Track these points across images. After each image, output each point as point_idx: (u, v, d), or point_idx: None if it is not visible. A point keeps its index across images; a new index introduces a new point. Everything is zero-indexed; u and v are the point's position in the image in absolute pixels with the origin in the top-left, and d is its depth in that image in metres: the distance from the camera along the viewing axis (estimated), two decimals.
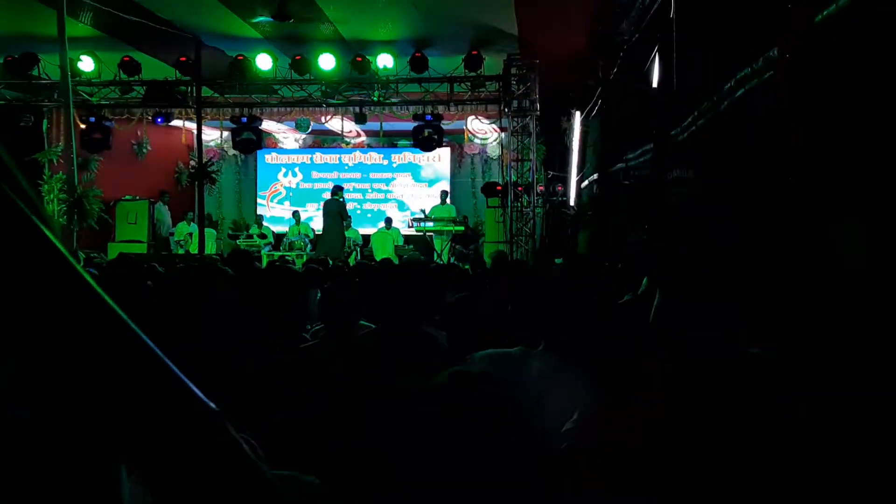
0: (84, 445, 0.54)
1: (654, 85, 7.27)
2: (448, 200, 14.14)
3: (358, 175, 16.10)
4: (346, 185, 14.48)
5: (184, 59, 11.43)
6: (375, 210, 15.70)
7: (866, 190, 2.86)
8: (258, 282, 2.73)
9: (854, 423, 1.22)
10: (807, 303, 2.88)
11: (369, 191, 16.04)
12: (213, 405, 0.55)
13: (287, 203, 16.12)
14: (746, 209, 4.17)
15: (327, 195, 15.63)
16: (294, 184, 16.37)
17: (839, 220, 3.04)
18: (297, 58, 11.55)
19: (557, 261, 9.23)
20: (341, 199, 12.89)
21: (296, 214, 14.50)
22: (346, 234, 12.99)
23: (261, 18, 9.93)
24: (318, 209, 15.69)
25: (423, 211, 13.46)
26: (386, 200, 15.99)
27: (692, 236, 5.07)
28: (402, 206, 15.76)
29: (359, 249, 13.69)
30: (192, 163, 13.32)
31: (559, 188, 13.41)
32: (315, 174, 16.34)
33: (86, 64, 11.83)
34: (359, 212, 15.02)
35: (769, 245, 3.58)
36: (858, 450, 1.18)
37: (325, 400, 2.12)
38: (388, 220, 14.24)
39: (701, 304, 1.45)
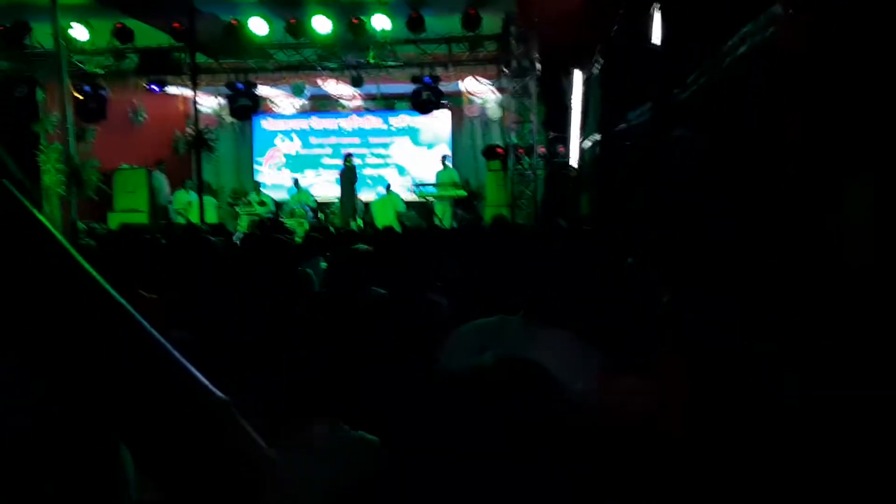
0: (90, 440, 0.54)
1: (655, 42, 7.15)
2: (449, 164, 14.06)
3: (357, 140, 15.97)
4: (343, 151, 14.42)
5: (177, 25, 11.25)
6: (375, 175, 15.61)
7: (875, 143, 2.82)
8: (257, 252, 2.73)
9: (852, 422, 1.21)
10: (805, 295, 2.85)
11: (368, 156, 15.92)
12: (220, 394, 0.54)
13: (285, 170, 16.03)
14: (747, 177, 4.13)
15: (327, 161, 15.64)
16: (293, 150, 16.26)
17: (845, 185, 3.01)
18: (292, 21, 11.38)
19: (561, 223, 9.18)
20: (351, 166, 13.00)
21: (296, 182, 14.43)
22: None
23: None
24: (317, 175, 15.68)
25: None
26: (385, 165, 15.90)
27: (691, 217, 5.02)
28: (401, 171, 15.67)
29: (359, 215, 13.67)
30: (189, 130, 13.21)
31: (560, 149, 13.31)
32: (313, 139, 16.22)
33: (79, 32, 11.66)
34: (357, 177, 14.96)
35: (769, 226, 3.55)
36: (856, 448, 1.17)
37: (326, 363, 2.12)
38: (388, 187, 14.17)
39: (701, 296, 1.44)
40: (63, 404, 0.51)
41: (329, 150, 15.93)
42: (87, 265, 0.50)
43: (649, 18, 7.38)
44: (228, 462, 0.55)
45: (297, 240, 5.78)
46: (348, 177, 12.96)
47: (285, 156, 16.28)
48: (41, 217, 0.50)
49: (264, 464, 0.59)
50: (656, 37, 7.12)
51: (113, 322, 0.50)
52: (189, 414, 0.53)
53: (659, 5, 7.00)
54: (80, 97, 12.38)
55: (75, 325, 0.49)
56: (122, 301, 0.52)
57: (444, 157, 14.10)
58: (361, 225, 12.90)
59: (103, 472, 0.53)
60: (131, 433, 0.52)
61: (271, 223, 5.27)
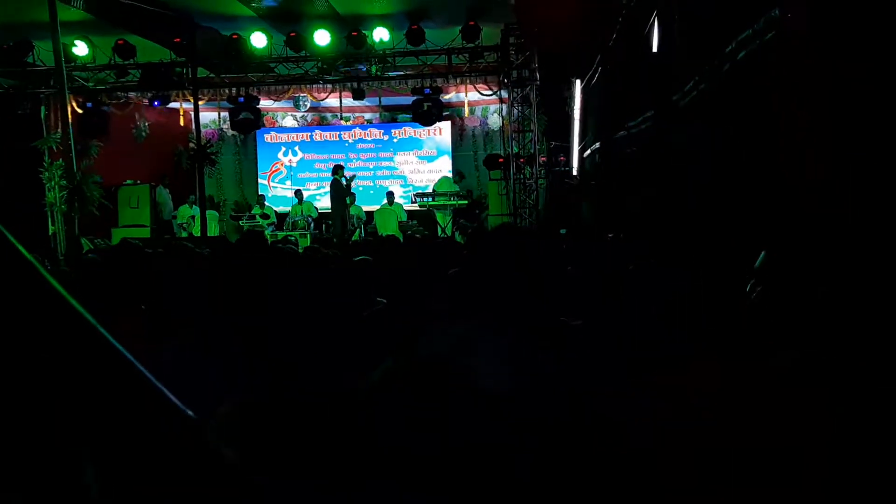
0: (59, 449, 0.53)
1: (654, 49, 7.17)
2: (455, 177, 14.10)
3: (358, 152, 16.02)
4: (347, 164, 14.43)
5: (178, 39, 11.31)
6: (378, 186, 15.64)
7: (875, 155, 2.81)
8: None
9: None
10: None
11: (370, 167, 15.97)
12: (189, 412, 0.54)
13: (288, 182, 16.06)
14: (752, 179, 4.12)
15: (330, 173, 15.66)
16: (294, 162, 16.30)
17: (850, 184, 3.00)
18: (292, 35, 11.43)
19: (562, 231, 9.18)
20: (340, 178, 12.88)
21: (298, 194, 14.46)
22: (351, 210, 13.01)
23: None
24: (319, 188, 15.70)
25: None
26: (388, 177, 15.93)
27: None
28: (403, 182, 15.71)
29: (363, 226, 13.67)
30: (192, 145, 13.26)
31: (562, 158, 13.33)
32: (315, 152, 16.27)
33: (80, 49, 11.72)
34: (360, 188, 14.96)
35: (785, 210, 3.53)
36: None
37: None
38: (391, 195, 14.18)
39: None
40: (25, 420, 0.49)
41: (331, 163, 15.99)
42: (52, 280, 0.49)
43: (648, 26, 7.39)
44: (194, 480, 0.54)
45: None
46: (336, 189, 12.82)
47: (287, 168, 16.32)
48: (6, 233, 0.49)
49: (232, 483, 0.58)
50: (655, 44, 7.14)
51: (77, 339, 0.49)
52: (153, 430, 0.52)
53: (657, 13, 7.02)
54: (82, 112, 12.44)
55: (37, 342, 0.48)
56: (89, 316, 0.51)
57: (457, 173, 14.14)
58: (363, 234, 12.90)
59: (67, 487, 0.52)
60: (96, 449, 0.51)
61: (251, 236, 5.18)
